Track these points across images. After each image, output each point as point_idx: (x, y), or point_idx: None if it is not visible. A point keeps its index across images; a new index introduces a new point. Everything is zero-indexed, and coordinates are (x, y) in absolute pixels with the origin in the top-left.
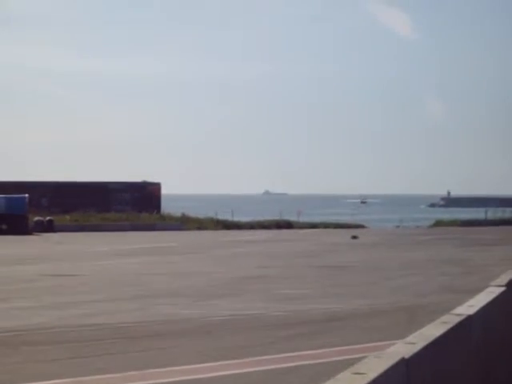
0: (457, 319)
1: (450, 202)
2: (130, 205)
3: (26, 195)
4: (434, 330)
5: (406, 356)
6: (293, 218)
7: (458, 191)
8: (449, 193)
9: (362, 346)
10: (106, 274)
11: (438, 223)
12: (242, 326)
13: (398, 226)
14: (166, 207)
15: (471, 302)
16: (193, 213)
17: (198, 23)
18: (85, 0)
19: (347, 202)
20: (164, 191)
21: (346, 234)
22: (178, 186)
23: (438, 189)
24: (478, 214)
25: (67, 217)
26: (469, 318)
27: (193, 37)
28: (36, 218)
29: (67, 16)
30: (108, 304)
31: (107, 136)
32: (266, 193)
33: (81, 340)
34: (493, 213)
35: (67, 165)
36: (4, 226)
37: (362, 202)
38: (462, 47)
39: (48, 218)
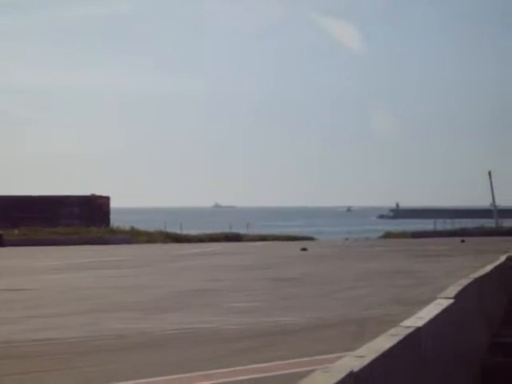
0: (406, 331)
1: (399, 213)
2: (78, 218)
3: None
4: (383, 343)
5: (355, 369)
6: (242, 230)
7: (406, 203)
8: (397, 204)
9: (312, 358)
10: (55, 289)
11: (388, 235)
12: (193, 339)
13: (346, 238)
14: (115, 221)
15: (420, 314)
16: (142, 226)
17: (143, 39)
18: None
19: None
20: (113, 205)
21: (296, 246)
22: (127, 199)
23: (387, 201)
24: (426, 225)
25: (15, 231)
26: (418, 330)
27: (141, 54)
28: None
29: None
30: (58, 319)
31: (54, 150)
32: (216, 206)
33: (30, 355)
34: (442, 224)
35: (13, 179)
36: None
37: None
38: (411, 59)
39: None
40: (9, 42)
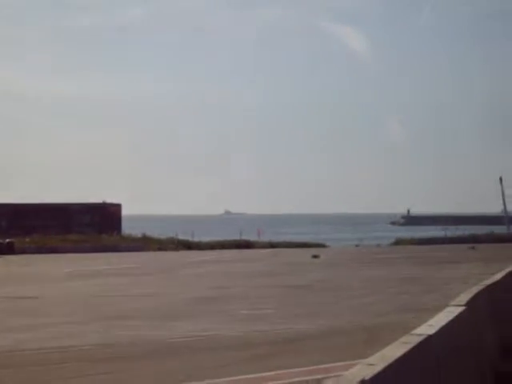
0: (417, 339)
1: (410, 220)
2: (90, 226)
3: None
4: (394, 351)
5: (366, 378)
6: (252, 237)
7: (418, 209)
8: (409, 211)
9: (321, 366)
10: (67, 297)
11: (399, 242)
12: (203, 347)
13: (357, 245)
14: (126, 228)
15: (431, 321)
16: (153, 233)
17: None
18: None
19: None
20: (124, 212)
21: (307, 253)
22: (137, 206)
23: (399, 207)
24: (437, 232)
25: (27, 239)
26: (429, 338)
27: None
28: None
29: None
30: (70, 326)
31: (56, 157)
32: (226, 212)
33: (42, 363)
34: (452, 231)
35: (13, 184)
36: None
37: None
38: (419, 67)
39: (8, 240)
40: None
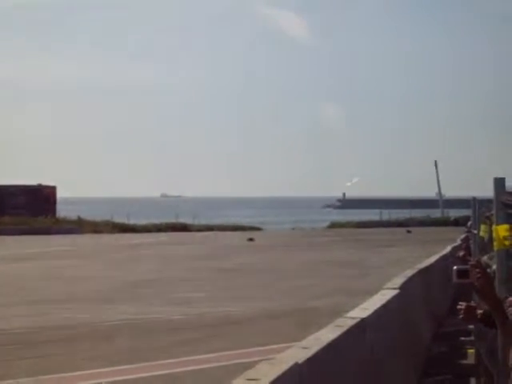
0: (350, 322)
1: (346, 203)
2: (25, 208)
3: None
4: (328, 334)
5: (300, 361)
6: (190, 220)
7: (354, 193)
8: (344, 194)
9: (256, 349)
10: None
11: (334, 225)
12: (138, 330)
13: (293, 228)
14: (62, 210)
15: (365, 304)
16: (89, 216)
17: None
18: None
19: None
20: (59, 194)
21: (243, 236)
22: (74, 189)
23: (334, 191)
24: (373, 215)
25: None
26: (362, 321)
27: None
28: None
29: None
30: (1, 309)
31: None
32: (163, 195)
33: None
34: (387, 215)
35: None
36: None
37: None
38: (359, 51)
39: None
40: None
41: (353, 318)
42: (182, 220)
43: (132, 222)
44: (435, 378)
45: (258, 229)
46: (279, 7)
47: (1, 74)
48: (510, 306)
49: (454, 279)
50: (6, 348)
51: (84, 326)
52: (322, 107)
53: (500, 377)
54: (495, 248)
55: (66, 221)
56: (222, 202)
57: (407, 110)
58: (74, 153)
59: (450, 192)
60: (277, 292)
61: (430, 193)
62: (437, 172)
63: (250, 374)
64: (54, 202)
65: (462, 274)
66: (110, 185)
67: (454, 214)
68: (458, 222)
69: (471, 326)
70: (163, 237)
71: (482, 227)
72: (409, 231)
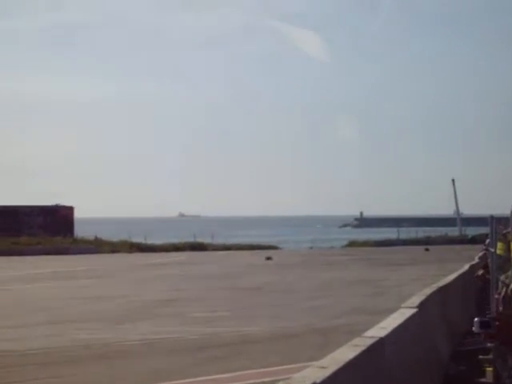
0: (369, 342)
1: (364, 222)
2: (42, 228)
3: None
4: (345, 354)
5: (318, 381)
6: (207, 240)
7: (371, 212)
8: (362, 213)
9: (274, 368)
10: (18, 299)
11: (352, 244)
12: (158, 350)
13: (311, 247)
14: (79, 231)
15: (383, 323)
16: (106, 236)
17: (100, 47)
18: None
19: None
20: (77, 215)
21: (261, 255)
22: (91, 209)
23: (351, 210)
24: (390, 234)
25: None
26: (381, 341)
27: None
28: None
29: None
30: (20, 330)
31: (15, 158)
32: (181, 215)
33: None
34: (405, 233)
35: None
36: None
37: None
38: (374, 69)
39: None
40: None
41: (371, 338)
42: (200, 239)
43: (150, 241)
44: None
45: (276, 248)
46: (295, 24)
47: (27, 88)
48: None
49: (477, 330)
50: (23, 368)
51: (102, 346)
52: (338, 125)
53: None
54: None
55: (83, 241)
56: (239, 221)
57: (424, 128)
58: (91, 172)
59: (468, 210)
60: (295, 311)
61: (447, 211)
62: (454, 190)
63: None
64: (72, 223)
65: (485, 325)
66: (127, 205)
67: (471, 231)
68: (475, 240)
69: (490, 345)
70: (181, 256)
71: (499, 245)
72: (427, 249)
